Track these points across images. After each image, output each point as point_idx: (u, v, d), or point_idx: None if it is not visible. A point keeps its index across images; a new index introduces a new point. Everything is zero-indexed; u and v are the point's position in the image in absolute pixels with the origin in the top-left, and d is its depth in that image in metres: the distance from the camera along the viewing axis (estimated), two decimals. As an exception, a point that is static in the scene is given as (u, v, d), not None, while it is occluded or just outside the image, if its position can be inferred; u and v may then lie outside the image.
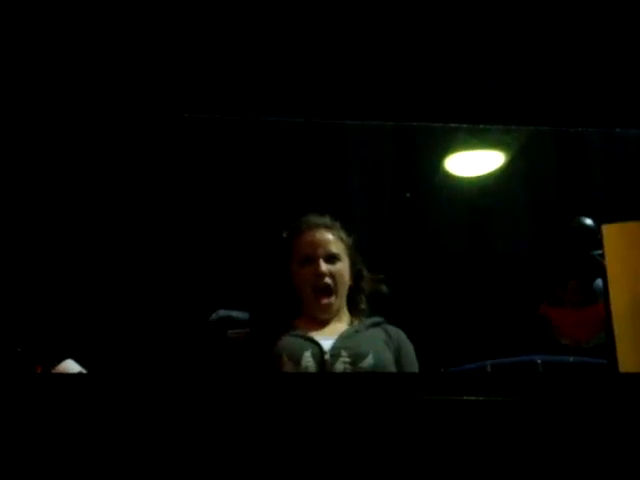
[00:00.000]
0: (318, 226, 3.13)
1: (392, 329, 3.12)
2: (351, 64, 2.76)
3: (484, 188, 4.31)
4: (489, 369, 2.76)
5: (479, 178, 4.31)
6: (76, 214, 3.93)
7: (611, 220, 2.48)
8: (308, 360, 2.94)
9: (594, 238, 2.91)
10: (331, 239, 3.11)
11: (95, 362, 2.85)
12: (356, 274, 3.14)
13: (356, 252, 3.15)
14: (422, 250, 4.17)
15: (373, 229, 4.16)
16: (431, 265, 4.14)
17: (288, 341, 3.01)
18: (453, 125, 3.38)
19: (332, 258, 3.09)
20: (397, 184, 4.21)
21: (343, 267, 3.11)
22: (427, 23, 2.64)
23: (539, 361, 2.64)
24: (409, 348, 3.10)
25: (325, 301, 3.05)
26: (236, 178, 4.10)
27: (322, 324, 3.10)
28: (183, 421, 2.01)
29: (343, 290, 3.10)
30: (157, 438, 1.99)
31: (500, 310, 3.91)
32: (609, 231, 2.46)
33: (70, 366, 2.77)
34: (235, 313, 3.23)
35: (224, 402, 2.03)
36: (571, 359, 3.09)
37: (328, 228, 3.13)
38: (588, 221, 3.25)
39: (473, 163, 4.26)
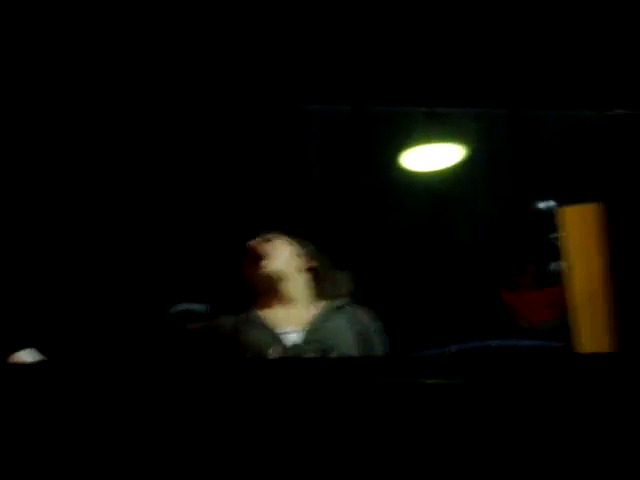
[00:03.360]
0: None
1: (357, 311, 3.14)
2: (311, 48, 2.75)
3: (443, 176, 4.33)
4: (448, 353, 2.78)
5: (438, 170, 4.34)
6: (31, 205, 3.89)
7: (568, 202, 2.50)
8: (273, 357, 2.94)
9: (551, 221, 2.93)
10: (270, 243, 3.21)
11: (56, 353, 2.83)
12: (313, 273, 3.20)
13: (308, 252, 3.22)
14: (381, 236, 4.18)
15: (333, 214, 4.17)
16: (390, 251, 4.15)
17: (252, 336, 3.01)
18: (411, 110, 3.40)
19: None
20: (357, 170, 4.22)
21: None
22: (382, 5, 2.64)
23: (495, 345, 2.66)
24: (375, 327, 3.12)
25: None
26: (195, 163, 4.07)
27: (284, 311, 3.11)
28: (142, 412, 2.00)
29: (289, 278, 3.14)
30: (115, 430, 1.98)
31: (460, 295, 3.93)
32: (566, 214, 2.48)
33: (25, 356, 2.75)
34: (195, 306, 3.23)
35: (184, 394, 2.03)
36: (527, 342, 3.11)
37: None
38: (544, 204, 3.27)
39: (431, 155, 4.28)
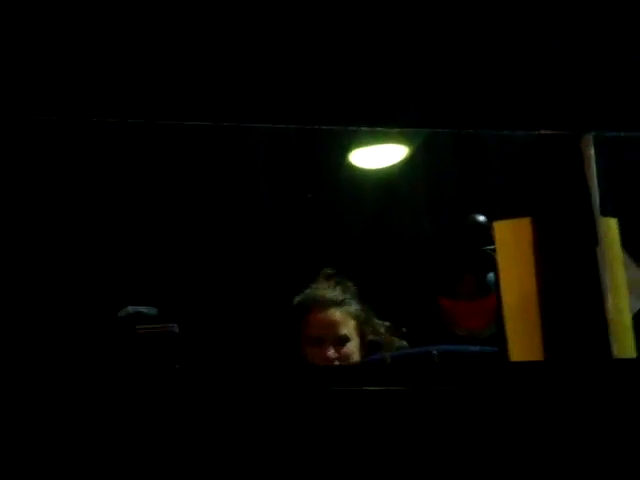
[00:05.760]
0: (327, 305, 3.19)
1: None
2: (254, 69, 2.82)
3: (386, 182, 4.41)
4: (389, 360, 2.87)
5: (381, 172, 4.41)
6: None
7: (503, 217, 2.62)
8: None
9: (486, 234, 3.06)
10: (340, 320, 3.18)
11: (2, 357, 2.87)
12: (370, 346, 3.21)
13: (368, 321, 3.24)
14: (325, 245, 4.25)
15: (280, 230, 4.23)
16: (334, 259, 4.23)
17: None
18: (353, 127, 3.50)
19: (341, 340, 3.17)
20: (301, 184, 4.28)
21: (353, 346, 3.18)
22: (327, 26, 2.71)
23: (435, 352, 2.76)
24: None
25: None
26: (146, 185, 4.11)
27: None
28: (93, 417, 2.06)
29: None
30: (71, 434, 2.04)
31: (399, 303, 4.02)
32: (500, 228, 2.60)
33: None
34: (144, 309, 3.27)
35: (131, 400, 2.09)
36: (472, 348, 3.21)
37: (338, 306, 3.20)
38: (481, 218, 3.40)
39: (375, 157, 4.36)
